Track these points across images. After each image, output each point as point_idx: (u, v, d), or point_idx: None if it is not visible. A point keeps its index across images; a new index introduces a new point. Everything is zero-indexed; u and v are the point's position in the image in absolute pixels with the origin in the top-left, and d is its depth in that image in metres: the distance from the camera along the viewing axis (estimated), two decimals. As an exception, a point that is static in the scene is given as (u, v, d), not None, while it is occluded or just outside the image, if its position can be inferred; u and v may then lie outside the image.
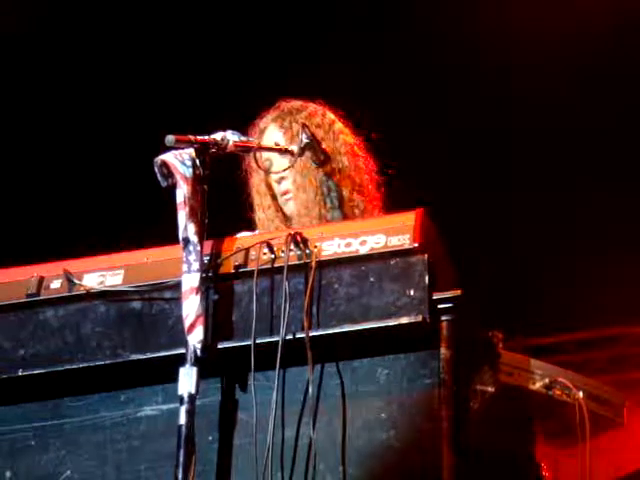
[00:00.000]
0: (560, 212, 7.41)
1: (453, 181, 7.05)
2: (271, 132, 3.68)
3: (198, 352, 2.72)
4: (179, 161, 2.86)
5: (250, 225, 3.72)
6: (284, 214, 3.69)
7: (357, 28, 6.79)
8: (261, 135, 3.66)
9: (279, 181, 3.68)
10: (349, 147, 3.69)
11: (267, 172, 3.63)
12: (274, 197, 3.71)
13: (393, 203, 3.65)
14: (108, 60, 6.78)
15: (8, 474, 2.93)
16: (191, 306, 2.75)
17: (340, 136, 3.69)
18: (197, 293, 2.76)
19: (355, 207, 3.62)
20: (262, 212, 3.71)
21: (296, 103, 3.74)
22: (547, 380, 3.14)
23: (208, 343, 2.76)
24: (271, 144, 3.45)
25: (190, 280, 2.77)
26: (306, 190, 3.62)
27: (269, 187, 3.73)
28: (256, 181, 3.74)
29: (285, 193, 3.68)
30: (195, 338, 2.73)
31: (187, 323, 2.74)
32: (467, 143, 7.05)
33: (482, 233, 7.26)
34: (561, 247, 7.48)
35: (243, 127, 3.02)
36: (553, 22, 6.59)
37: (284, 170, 3.51)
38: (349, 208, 3.62)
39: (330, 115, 3.73)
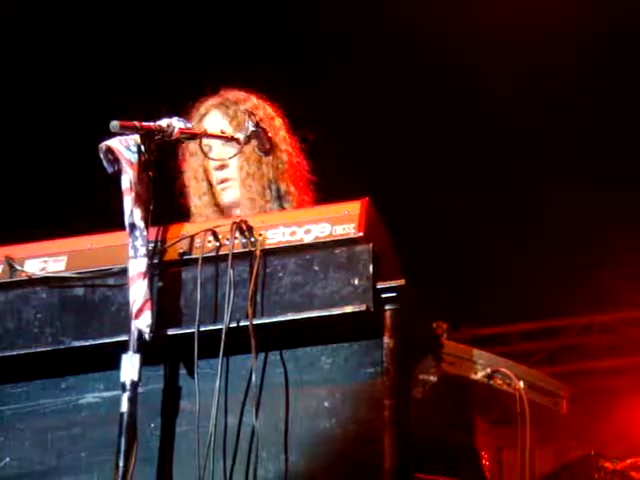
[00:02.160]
0: (508, 208, 7.48)
1: (401, 176, 7.10)
2: (214, 118, 3.64)
3: (146, 336, 2.71)
4: (124, 147, 2.83)
5: (185, 212, 3.68)
6: (218, 203, 3.66)
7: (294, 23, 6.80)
8: (201, 120, 3.63)
9: (219, 168, 3.63)
10: (287, 144, 3.68)
11: (210, 158, 3.57)
12: (211, 184, 3.68)
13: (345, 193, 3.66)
14: (50, 42, 6.72)
15: (-54, 461, 2.90)
16: (138, 291, 2.73)
17: (280, 132, 3.68)
18: (144, 278, 2.74)
19: (292, 201, 3.62)
20: (198, 199, 3.67)
21: (240, 93, 3.71)
22: (489, 370, 3.17)
23: (153, 329, 2.75)
24: (216, 131, 3.39)
25: (137, 265, 2.75)
26: (254, 180, 3.60)
27: (207, 174, 3.69)
28: (194, 166, 3.70)
29: (223, 181, 3.64)
30: (143, 322, 2.71)
31: (135, 308, 2.72)
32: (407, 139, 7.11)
33: (428, 225, 7.31)
34: (505, 241, 7.55)
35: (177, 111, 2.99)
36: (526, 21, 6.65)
37: (231, 157, 3.49)
38: (286, 202, 3.61)
39: (270, 110, 3.72)
